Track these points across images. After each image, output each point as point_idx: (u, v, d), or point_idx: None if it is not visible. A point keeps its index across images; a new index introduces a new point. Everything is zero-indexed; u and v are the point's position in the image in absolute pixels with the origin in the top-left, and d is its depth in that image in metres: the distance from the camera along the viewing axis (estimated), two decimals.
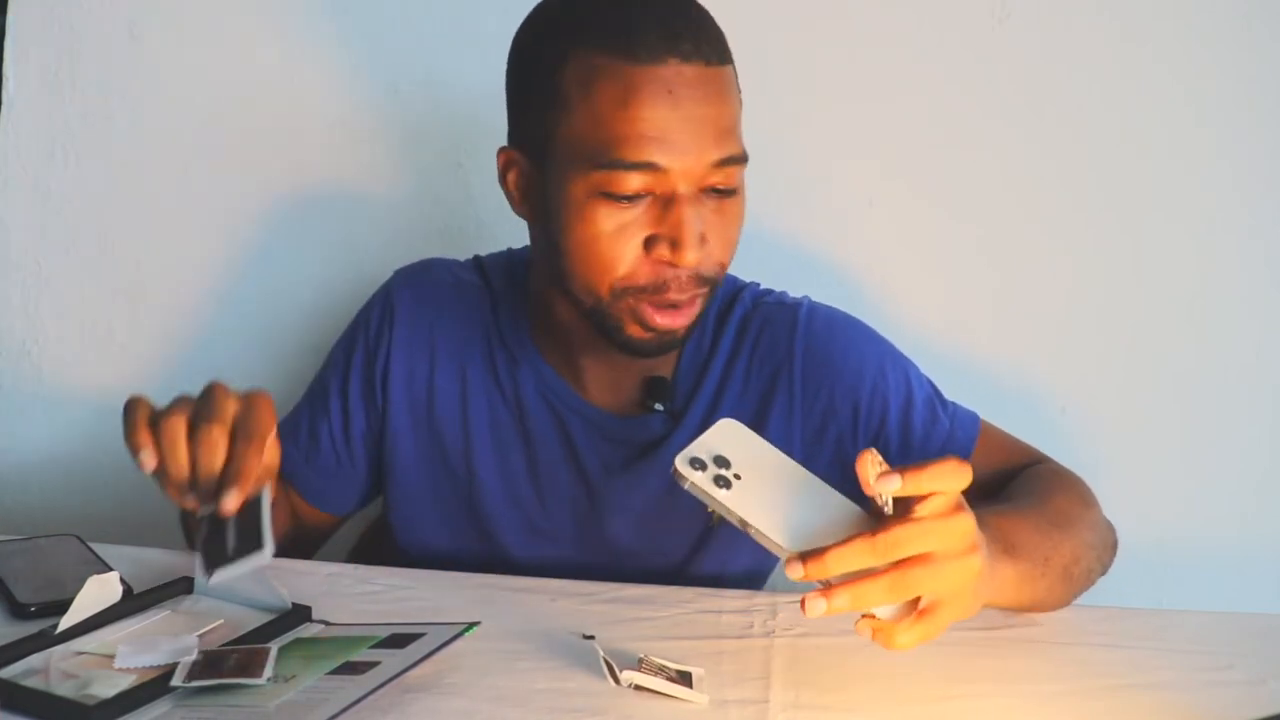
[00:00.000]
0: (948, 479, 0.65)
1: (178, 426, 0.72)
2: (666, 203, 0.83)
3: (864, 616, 0.66)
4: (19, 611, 0.79)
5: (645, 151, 0.81)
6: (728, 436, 0.70)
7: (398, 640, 0.72)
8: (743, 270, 1.09)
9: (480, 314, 1.02)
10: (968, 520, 0.66)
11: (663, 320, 0.87)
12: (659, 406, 0.96)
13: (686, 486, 0.67)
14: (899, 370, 1.00)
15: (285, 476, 1.04)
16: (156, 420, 0.73)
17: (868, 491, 0.64)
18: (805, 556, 0.63)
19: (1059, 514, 0.87)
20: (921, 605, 0.66)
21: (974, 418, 0.99)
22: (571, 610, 0.84)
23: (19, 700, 0.64)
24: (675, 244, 0.83)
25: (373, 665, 0.68)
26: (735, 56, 0.92)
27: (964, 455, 0.93)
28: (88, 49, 1.38)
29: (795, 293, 1.06)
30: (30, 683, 0.66)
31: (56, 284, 1.42)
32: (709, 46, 0.83)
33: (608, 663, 0.71)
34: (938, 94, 1.32)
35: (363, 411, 1.02)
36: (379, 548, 1.19)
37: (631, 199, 0.83)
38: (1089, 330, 1.34)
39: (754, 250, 1.32)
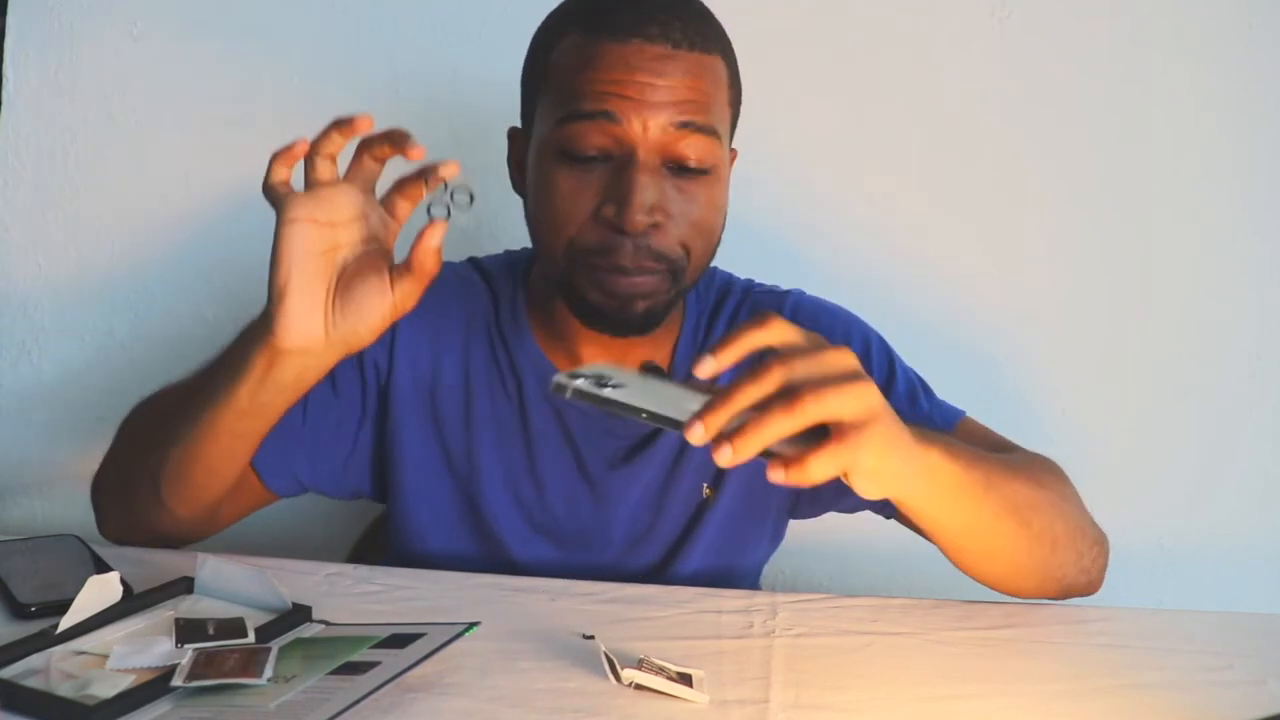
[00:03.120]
0: (757, 328, 0.65)
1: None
2: (622, 168, 0.85)
3: (771, 465, 0.64)
4: (19, 611, 0.79)
5: (601, 101, 0.84)
6: (604, 368, 0.69)
7: (398, 640, 0.71)
8: (742, 269, 1.10)
9: (482, 309, 1.02)
10: (843, 353, 0.66)
11: (612, 283, 0.87)
12: None
13: (568, 395, 0.65)
14: (884, 355, 1.01)
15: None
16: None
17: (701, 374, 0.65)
18: (700, 415, 0.62)
19: (1019, 465, 0.86)
20: (833, 433, 0.64)
21: (958, 411, 1.00)
22: (571, 610, 0.84)
23: (19, 700, 0.64)
24: (620, 205, 0.85)
25: (373, 665, 0.67)
26: (735, 55, 0.92)
27: None
28: (88, 49, 1.39)
29: None
30: (30, 683, 0.66)
31: (56, 284, 1.42)
32: (680, 34, 0.85)
33: (610, 659, 0.71)
34: (938, 93, 1.33)
35: (358, 392, 0.99)
36: (379, 548, 1.19)
37: (588, 161, 0.86)
38: (1089, 330, 1.34)
39: (752, 249, 1.33)
